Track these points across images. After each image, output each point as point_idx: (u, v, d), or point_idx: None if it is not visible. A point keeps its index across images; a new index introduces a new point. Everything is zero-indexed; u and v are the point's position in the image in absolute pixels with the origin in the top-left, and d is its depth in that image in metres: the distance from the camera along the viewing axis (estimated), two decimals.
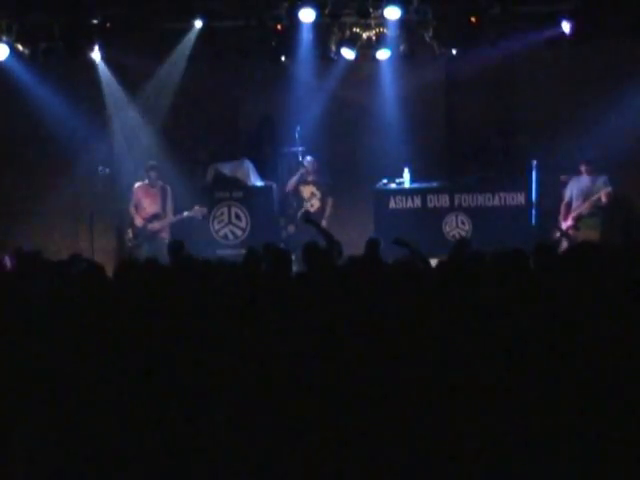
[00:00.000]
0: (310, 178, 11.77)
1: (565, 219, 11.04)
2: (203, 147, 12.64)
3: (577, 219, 10.95)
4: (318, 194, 11.71)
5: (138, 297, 5.10)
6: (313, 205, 11.68)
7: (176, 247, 8.29)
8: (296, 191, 11.79)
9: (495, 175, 11.71)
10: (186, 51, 11.64)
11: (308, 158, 11.80)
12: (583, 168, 11.00)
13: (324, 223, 11.29)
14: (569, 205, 11.08)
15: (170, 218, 11.46)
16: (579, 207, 10.98)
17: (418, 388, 4.19)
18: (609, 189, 10.86)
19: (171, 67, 11.85)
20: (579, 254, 4.86)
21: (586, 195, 10.97)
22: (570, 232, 10.82)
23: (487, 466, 4.01)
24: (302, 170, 11.76)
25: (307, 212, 11.10)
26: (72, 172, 12.36)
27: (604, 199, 10.88)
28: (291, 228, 11.73)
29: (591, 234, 10.70)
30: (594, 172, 10.95)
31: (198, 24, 11.36)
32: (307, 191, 11.76)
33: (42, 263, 6.97)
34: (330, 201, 11.67)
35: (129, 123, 12.28)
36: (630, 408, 4.03)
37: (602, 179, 10.95)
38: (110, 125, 12.34)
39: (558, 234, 10.86)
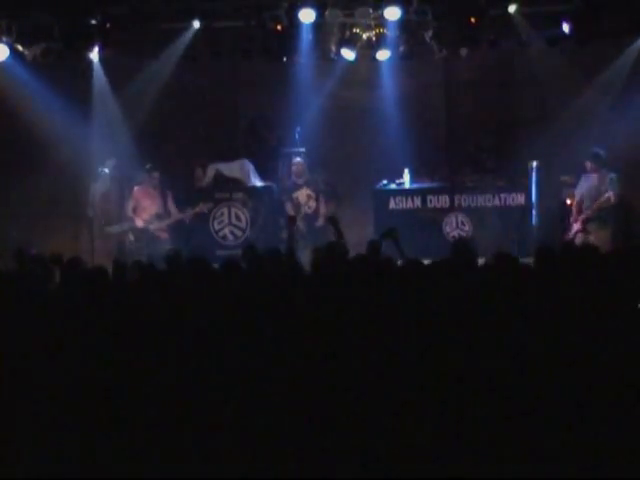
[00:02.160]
0: (300, 181, 11.68)
1: (575, 221, 10.77)
2: (203, 147, 12.64)
3: (585, 222, 10.66)
4: (313, 194, 11.60)
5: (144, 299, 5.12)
6: (310, 207, 11.58)
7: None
8: (290, 198, 11.67)
9: (494, 175, 11.70)
10: (178, 51, 11.63)
11: (295, 160, 11.71)
12: (588, 165, 10.68)
13: (321, 221, 11.31)
14: (580, 204, 10.79)
15: (176, 216, 11.49)
16: (587, 209, 10.70)
17: (421, 389, 4.20)
18: (615, 190, 10.56)
19: (160, 66, 11.84)
20: (579, 256, 4.87)
21: (594, 196, 10.66)
22: (579, 235, 10.53)
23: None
24: (292, 177, 11.67)
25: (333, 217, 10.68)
26: (72, 172, 12.37)
27: (613, 200, 10.59)
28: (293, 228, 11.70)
29: (602, 234, 10.48)
30: (601, 169, 10.63)
31: (197, 24, 11.36)
32: (303, 195, 11.64)
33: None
34: (322, 200, 11.54)
35: (127, 125, 12.31)
36: (630, 409, 4.03)
37: (609, 178, 10.63)
38: (106, 126, 12.37)
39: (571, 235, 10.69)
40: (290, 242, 7.77)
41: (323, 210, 11.53)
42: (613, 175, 10.70)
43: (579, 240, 10.41)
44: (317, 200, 11.60)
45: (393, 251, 6.83)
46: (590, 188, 10.75)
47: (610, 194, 10.62)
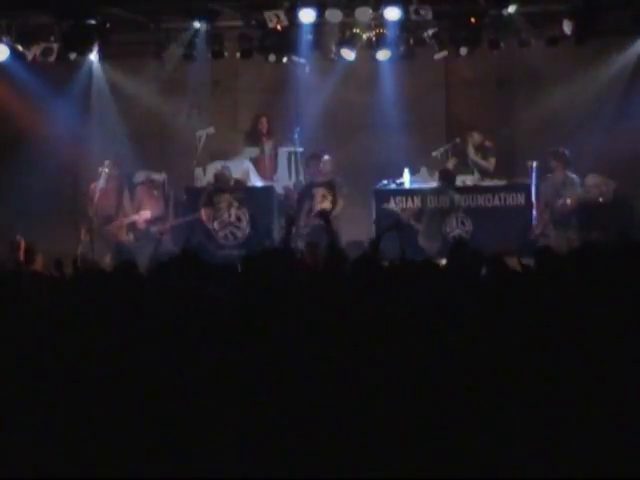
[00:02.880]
0: (322, 179, 11.55)
1: (536, 225, 10.83)
2: (203, 147, 12.64)
3: (544, 227, 10.71)
4: (330, 196, 11.41)
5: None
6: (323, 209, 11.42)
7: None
8: (309, 193, 11.54)
9: (494, 175, 11.68)
10: (178, 51, 11.63)
11: (325, 157, 11.62)
12: (552, 164, 10.73)
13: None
14: (544, 206, 10.86)
15: (174, 220, 11.49)
16: (545, 212, 10.74)
17: (421, 389, 4.20)
18: (575, 193, 10.59)
19: (160, 66, 11.84)
20: (580, 256, 4.87)
21: (554, 198, 10.70)
22: (541, 240, 10.48)
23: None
24: (313, 169, 11.62)
25: (324, 210, 10.59)
26: (71, 172, 12.38)
27: (570, 205, 10.61)
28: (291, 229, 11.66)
29: (560, 234, 10.47)
30: (565, 169, 10.70)
31: (197, 24, 11.37)
32: (319, 194, 11.45)
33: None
34: (341, 203, 11.39)
35: (127, 125, 12.33)
36: (629, 407, 4.03)
37: (570, 179, 10.69)
38: (106, 125, 12.40)
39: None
40: (286, 238, 7.64)
41: (336, 212, 11.17)
42: (575, 177, 10.69)
43: (541, 243, 10.34)
44: (333, 203, 11.38)
45: (394, 249, 6.81)
46: (551, 189, 10.77)
47: (567, 199, 10.59)
